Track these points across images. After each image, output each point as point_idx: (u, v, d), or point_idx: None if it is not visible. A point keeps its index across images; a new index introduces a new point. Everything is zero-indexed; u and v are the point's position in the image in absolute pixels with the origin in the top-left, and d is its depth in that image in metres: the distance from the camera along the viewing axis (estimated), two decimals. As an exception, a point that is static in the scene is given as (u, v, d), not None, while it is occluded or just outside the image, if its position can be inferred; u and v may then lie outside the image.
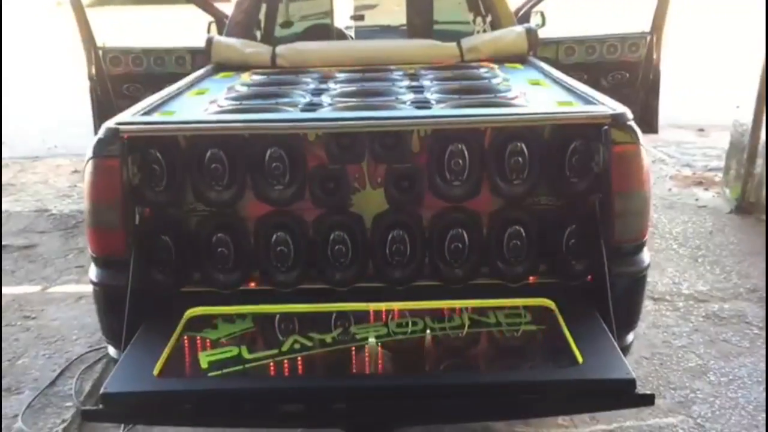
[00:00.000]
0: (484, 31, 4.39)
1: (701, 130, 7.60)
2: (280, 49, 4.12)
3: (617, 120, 2.40)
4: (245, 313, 2.48)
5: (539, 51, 4.74)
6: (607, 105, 2.55)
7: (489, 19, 4.47)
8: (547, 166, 2.55)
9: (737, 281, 4.08)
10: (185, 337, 2.33)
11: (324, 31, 5.22)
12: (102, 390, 2.08)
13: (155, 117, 2.66)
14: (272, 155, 2.49)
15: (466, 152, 2.52)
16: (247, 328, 2.39)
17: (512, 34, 4.13)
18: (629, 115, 2.43)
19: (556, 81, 3.36)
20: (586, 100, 2.80)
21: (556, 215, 2.61)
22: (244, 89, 3.39)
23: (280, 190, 2.54)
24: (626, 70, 4.91)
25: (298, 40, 4.54)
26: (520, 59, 4.07)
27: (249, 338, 2.35)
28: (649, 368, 3.24)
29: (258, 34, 4.86)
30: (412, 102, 2.98)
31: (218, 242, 2.56)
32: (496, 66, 3.88)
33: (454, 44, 4.11)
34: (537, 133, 2.53)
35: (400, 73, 3.79)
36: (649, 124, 5.00)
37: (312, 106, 2.94)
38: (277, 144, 2.49)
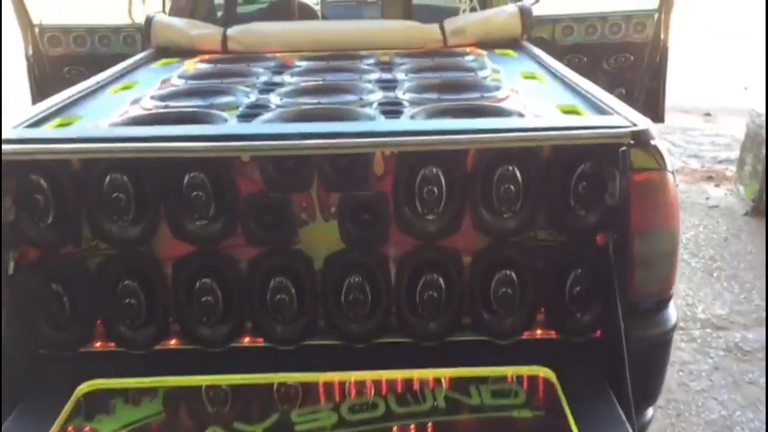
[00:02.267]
0: (472, 9, 3.79)
1: (708, 114, 7.03)
2: (233, 31, 3.51)
3: (639, 139, 1.84)
4: (156, 387, 1.92)
5: (534, 30, 4.18)
6: (623, 116, 1.98)
7: (477, -4, 3.87)
8: (546, 194, 1.99)
9: (759, 302, 3.55)
10: (69, 430, 1.77)
11: (291, 6, 4.60)
12: None
13: (43, 130, 2.08)
14: (192, 181, 1.92)
15: (442, 177, 1.95)
16: (151, 416, 1.83)
17: (504, 15, 3.53)
18: (653, 131, 1.87)
19: (554, 74, 2.79)
20: (595, 106, 2.23)
21: (557, 255, 2.06)
22: (180, 83, 2.81)
23: (204, 225, 1.98)
24: (630, 52, 4.33)
25: (263, 18, 3.94)
26: (513, 44, 3.49)
27: None
28: (665, 421, 2.71)
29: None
30: (380, 104, 2.41)
31: (125, 290, 1.99)
32: (484, 53, 3.30)
33: (435, 26, 3.50)
34: (534, 153, 1.97)
35: (372, 61, 3.21)
36: (654, 112, 4.45)
37: (255, 110, 2.36)
38: (198, 167, 1.92)
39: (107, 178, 1.91)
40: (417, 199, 1.97)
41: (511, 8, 3.55)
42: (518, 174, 1.94)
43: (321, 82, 2.76)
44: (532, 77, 2.82)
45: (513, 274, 2.02)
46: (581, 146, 1.91)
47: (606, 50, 4.32)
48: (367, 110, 2.30)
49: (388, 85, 2.68)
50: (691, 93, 7.41)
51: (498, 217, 1.99)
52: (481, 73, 2.82)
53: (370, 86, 2.63)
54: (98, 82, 2.82)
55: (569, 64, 4.30)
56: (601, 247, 1.99)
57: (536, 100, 2.41)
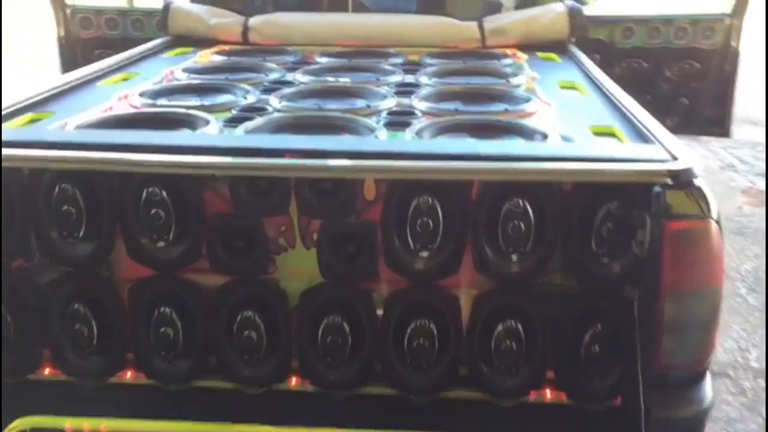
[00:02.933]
0: (516, 7, 3.45)
1: (781, 127, 6.47)
2: (255, 21, 3.26)
3: (679, 178, 1.50)
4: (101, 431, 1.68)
5: (590, 31, 3.81)
6: (665, 146, 1.65)
7: (522, -8, 3.52)
8: (563, 235, 1.68)
9: (825, 351, 3.13)
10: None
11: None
12: None
13: None
14: (150, 197, 1.67)
15: (439, 208, 1.65)
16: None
17: (550, 14, 3.18)
18: (697, 169, 1.53)
19: (596, 86, 2.45)
20: (636, 130, 1.90)
21: (573, 306, 1.74)
22: (182, 77, 2.57)
23: (163, 247, 1.72)
24: (696, 59, 3.92)
25: (300, 6, 3.66)
26: (559, 47, 3.15)
27: None
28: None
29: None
30: (390, 113, 2.13)
31: (75, 313, 1.75)
32: (524, 57, 2.97)
33: (474, 24, 3.19)
34: (550, 186, 1.65)
35: (399, 60, 2.92)
36: (721, 126, 4.05)
37: (247, 113, 2.11)
38: (157, 182, 1.66)
39: (56, 189, 1.67)
40: (409, 231, 1.67)
41: (559, 7, 3.20)
42: (530, 209, 1.63)
43: (332, 84, 2.49)
44: (572, 87, 2.49)
45: (519, 325, 1.71)
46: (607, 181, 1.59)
47: (669, 56, 3.92)
48: (370, 121, 2.02)
49: (407, 89, 2.39)
50: (762, 104, 6.85)
51: (504, 257, 1.68)
52: (514, 80, 2.50)
53: (385, 90, 2.35)
54: (97, 71, 2.60)
55: (628, 70, 3.95)
56: (627, 301, 1.66)
57: (569, 116, 2.08)
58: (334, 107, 2.21)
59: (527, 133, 1.92)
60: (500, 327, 1.71)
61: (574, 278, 1.72)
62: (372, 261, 1.72)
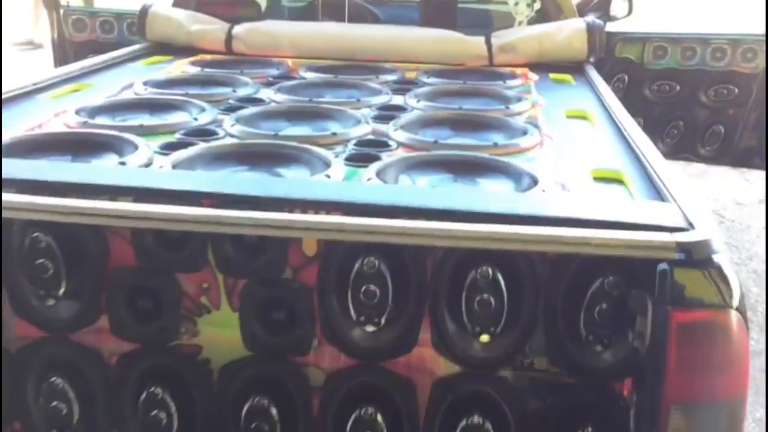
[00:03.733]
0: (528, 22, 3.10)
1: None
2: (240, 29, 2.96)
3: (692, 253, 1.15)
4: None
5: (618, 50, 3.46)
6: (680, 207, 1.29)
7: (537, 5, 3.16)
8: (544, 313, 1.33)
9: None
10: None
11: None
12: None
13: None
14: (35, 244, 1.36)
15: (387, 273, 1.32)
16: None
17: (567, 31, 2.83)
18: (717, 243, 1.17)
19: (610, 117, 2.09)
20: (647, 177, 1.55)
21: (555, 401, 1.38)
22: (141, 90, 2.28)
23: (52, 306, 1.41)
24: (735, 83, 3.54)
25: (308, 15, 3.37)
26: (576, 68, 2.79)
27: None
28: None
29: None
30: (356, 144, 1.80)
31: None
32: (534, 78, 2.62)
33: (481, 39, 2.85)
34: (529, 253, 1.30)
35: (393, 77, 2.60)
36: (762, 157, 3.65)
37: (191, 137, 1.80)
38: (42, 226, 1.35)
39: None
40: (351, 299, 1.34)
41: (578, 23, 2.84)
42: (501, 279, 1.29)
43: (303, 104, 2.17)
44: (582, 117, 2.14)
45: (488, 421, 1.36)
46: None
47: (705, 79, 3.54)
48: (329, 153, 1.69)
49: (387, 114, 2.06)
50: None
51: (469, 337, 1.34)
52: (514, 107, 2.15)
53: (361, 113, 2.03)
54: (42, 81, 2.32)
55: (659, 93, 3.58)
56: (623, 399, 1.31)
57: (571, 155, 1.74)
58: (296, 133, 1.89)
59: (513, 175, 1.58)
60: (464, 422, 1.36)
61: (557, 367, 1.36)
62: (307, 333, 1.39)
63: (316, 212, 1.27)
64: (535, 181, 1.52)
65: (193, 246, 1.37)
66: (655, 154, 1.66)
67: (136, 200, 1.30)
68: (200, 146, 1.70)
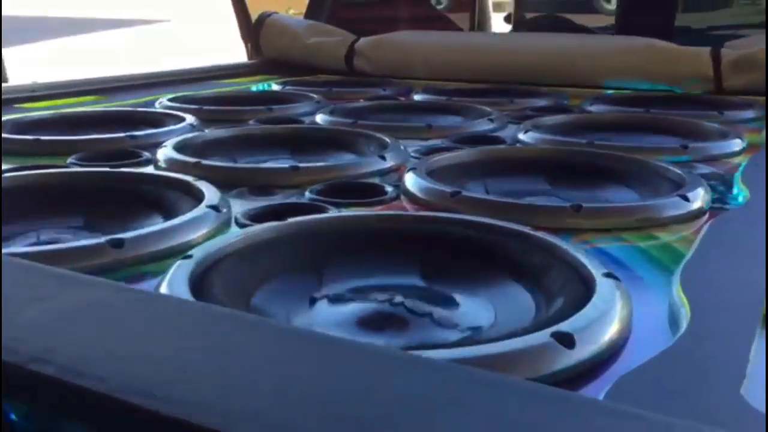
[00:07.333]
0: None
1: None
2: (364, 42, 2.23)
3: None
4: None
5: None
6: None
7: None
8: None
9: None
10: None
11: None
12: None
13: None
14: None
15: None
16: None
17: None
18: None
19: None
20: None
21: None
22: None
23: None
24: None
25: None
26: None
27: None
28: None
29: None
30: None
31: None
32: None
33: (705, 51, 1.81)
34: None
35: (541, 103, 1.68)
36: None
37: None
38: None
39: None
40: None
41: None
42: None
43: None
44: None
45: None
46: None
47: None
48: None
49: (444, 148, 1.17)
50: None
51: None
52: (699, 165, 1.13)
53: (404, 148, 1.17)
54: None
55: None
56: None
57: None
58: (273, 164, 1.09)
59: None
60: None
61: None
62: None
63: None
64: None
65: None
66: None
67: None
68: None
